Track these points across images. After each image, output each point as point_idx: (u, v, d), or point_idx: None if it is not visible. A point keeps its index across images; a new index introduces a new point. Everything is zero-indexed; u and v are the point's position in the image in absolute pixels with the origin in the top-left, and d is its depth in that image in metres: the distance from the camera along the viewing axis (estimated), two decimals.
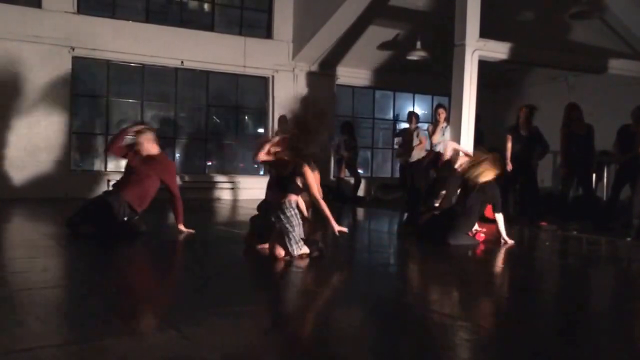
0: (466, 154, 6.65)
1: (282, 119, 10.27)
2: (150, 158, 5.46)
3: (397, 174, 11.68)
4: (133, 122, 6.02)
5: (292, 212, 4.18)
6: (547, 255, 5.71)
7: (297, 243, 4.17)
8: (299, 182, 4.21)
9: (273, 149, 4.26)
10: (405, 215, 7.89)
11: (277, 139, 4.32)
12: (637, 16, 9.70)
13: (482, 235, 5.69)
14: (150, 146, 5.47)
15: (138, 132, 5.50)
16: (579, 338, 2.78)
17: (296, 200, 4.26)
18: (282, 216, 4.16)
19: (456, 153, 6.69)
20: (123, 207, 5.22)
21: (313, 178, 4.22)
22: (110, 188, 5.92)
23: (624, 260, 5.61)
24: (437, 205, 6.60)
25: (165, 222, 5.65)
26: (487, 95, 11.75)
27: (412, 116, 9.78)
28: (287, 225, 4.14)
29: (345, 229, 4.47)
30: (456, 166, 6.45)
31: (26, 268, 3.97)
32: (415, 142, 9.34)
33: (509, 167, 7.84)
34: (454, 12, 7.83)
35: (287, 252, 4.19)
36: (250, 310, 2.97)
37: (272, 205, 4.36)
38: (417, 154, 9.34)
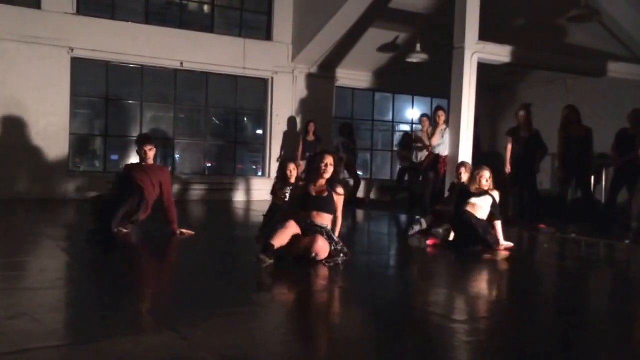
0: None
1: (308, 124, 10.35)
2: (151, 167, 5.62)
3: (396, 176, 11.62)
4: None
5: (329, 231, 4.35)
6: (546, 258, 5.71)
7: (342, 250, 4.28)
8: (336, 200, 4.49)
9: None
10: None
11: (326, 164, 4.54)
12: (636, 19, 9.71)
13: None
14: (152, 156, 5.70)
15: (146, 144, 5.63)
16: (577, 340, 2.78)
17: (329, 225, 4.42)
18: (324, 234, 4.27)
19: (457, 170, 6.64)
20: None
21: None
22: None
23: (622, 263, 5.62)
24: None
25: (163, 224, 5.65)
26: (486, 98, 11.78)
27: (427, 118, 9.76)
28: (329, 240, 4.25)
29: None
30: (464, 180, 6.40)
31: (24, 269, 3.97)
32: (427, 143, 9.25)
33: (508, 169, 7.85)
34: (453, 14, 7.84)
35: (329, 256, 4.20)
36: (248, 311, 2.97)
37: (309, 224, 4.35)
38: (422, 155, 9.36)
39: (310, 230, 4.23)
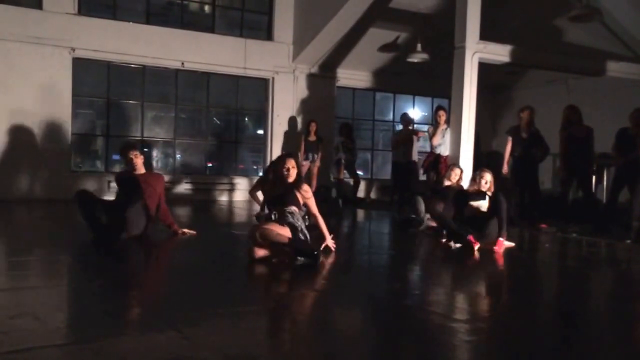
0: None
1: (309, 123, 10.35)
2: (147, 177, 5.54)
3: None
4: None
5: (297, 216, 4.37)
6: (547, 257, 5.71)
7: (306, 236, 4.32)
8: (299, 197, 4.52)
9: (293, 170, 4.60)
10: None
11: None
12: (636, 19, 9.72)
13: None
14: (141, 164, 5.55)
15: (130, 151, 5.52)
16: (578, 339, 2.79)
17: (297, 210, 4.46)
18: (289, 219, 4.29)
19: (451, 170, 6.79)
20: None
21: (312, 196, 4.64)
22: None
23: (623, 263, 5.62)
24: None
25: (163, 225, 5.66)
26: (486, 98, 11.78)
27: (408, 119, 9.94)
28: (296, 225, 4.28)
29: (334, 246, 4.73)
30: (453, 181, 6.59)
31: (26, 268, 3.98)
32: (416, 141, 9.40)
33: (505, 169, 7.86)
34: (454, 14, 7.85)
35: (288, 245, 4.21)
36: (250, 310, 2.98)
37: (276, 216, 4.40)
38: (416, 154, 9.45)
39: (280, 219, 4.30)
